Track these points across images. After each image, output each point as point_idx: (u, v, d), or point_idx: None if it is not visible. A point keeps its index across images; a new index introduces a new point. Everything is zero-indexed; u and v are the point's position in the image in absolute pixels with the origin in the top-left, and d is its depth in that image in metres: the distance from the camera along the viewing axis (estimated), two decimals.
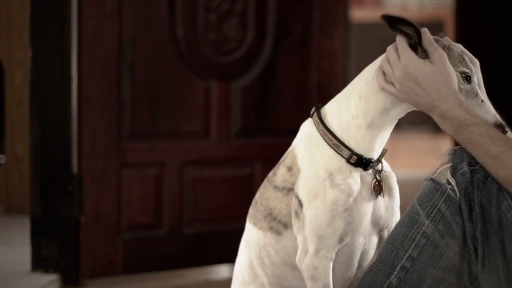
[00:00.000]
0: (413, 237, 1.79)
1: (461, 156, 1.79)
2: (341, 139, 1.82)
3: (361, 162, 1.82)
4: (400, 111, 1.83)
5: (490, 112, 1.79)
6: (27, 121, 3.26)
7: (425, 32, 1.80)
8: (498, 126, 1.77)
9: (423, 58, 1.79)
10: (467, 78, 1.79)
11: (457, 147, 1.82)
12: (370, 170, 1.84)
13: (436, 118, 1.78)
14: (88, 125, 3.19)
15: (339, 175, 1.81)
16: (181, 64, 3.35)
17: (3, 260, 3.45)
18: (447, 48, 1.81)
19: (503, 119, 1.82)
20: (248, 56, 3.46)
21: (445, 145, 6.08)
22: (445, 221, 1.77)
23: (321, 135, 1.84)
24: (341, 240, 1.81)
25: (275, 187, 1.88)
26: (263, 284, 1.93)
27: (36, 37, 3.17)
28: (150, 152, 3.32)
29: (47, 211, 3.19)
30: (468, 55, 1.83)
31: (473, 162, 1.77)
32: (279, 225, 1.87)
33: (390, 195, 1.87)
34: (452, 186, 1.77)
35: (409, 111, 1.84)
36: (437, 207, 1.78)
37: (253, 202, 1.95)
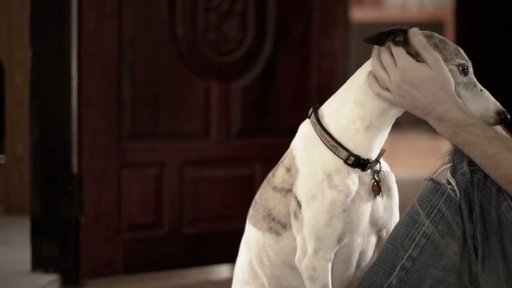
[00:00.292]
0: (413, 237, 1.79)
1: (461, 156, 1.79)
2: (338, 140, 1.82)
3: (359, 163, 1.82)
4: (399, 110, 1.83)
5: (490, 101, 1.78)
6: (27, 121, 3.26)
7: (415, 34, 1.79)
8: (500, 113, 1.76)
9: (416, 57, 1.79)
10: (464, 70, 1.79)
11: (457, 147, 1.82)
12: (369, 171, 1.84)
13: (432, 122, 1.78)
14: (88, 125, 3.19)
15: (337, 176, 1.81)
16: (181, 64, 3.35)
17: (3, 260, 3.45)
18: (442, 42, 1.81)
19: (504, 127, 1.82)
20: (248, 56, 3.46)
21: (445, 145, 6.08)
22: (445, 221, 1.77)
23: (318, 136, 1.84)
24: (339, 240, 1.81)
25: (274, 187, 1.88)
26: (263, 284, 1.93)
27: (36, 37, 3.17)
28: (150, 152, 3.32)
29: (47, 211, 3.19)
30: None
31: (473, 162, 1.77)
32: (278, 225, 1.87)
33: (389, 195, 1.87)
34: (452, 186, 1.77)
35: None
36: (437, 207, 1.78)
37: (253, 203, 1.96)
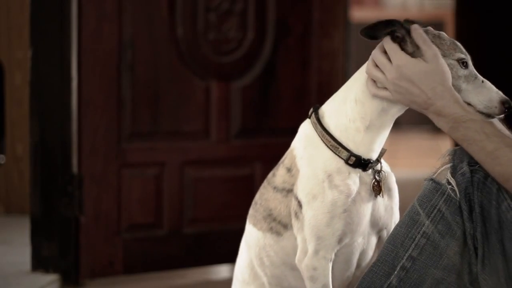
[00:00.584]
0: (413, 237, 1.78)
1: (461, 156, 1.79)
2: (339, 140, 1.82)
3: (360, 163, 1.82)
4: (399, 109, 1.83)
5: (493, 91, 1.78)
6: (27, 121, 3.26)
7: (416, 28, 1.79)
8: (504, 102, 1.76)
9: (412, 53, 1.78)
10: (464, 64, 1.79)
11: (457, 147, 1.82)
12: (370, 171, 1.83)
13: (431, 116, 1.78)
14: (88, 125, 3.19)
15: (337, 176, 1.81)
16: (181, 64, 3.35)
17: (3, 260, 3.45)
18: (437, 37, 1.80)
19: (503, 118, 1.82)
20: (248, 56, 3.46)
21: (445, 145, 6.08)
22: (445, 221, 1.77)
23: (319, 136, 1.84)
24: (340, 240, 1.81)
25: (275, 188, 1.88)
26: (263, 284, 1.93)
27: (36, 37, 3.17)
28: (150, 152, 3.32)
29: (47, 211, 3.19)
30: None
31: (473, 162, 1.77)
32: (279, 226, 1.87)
33: (389, 196, 1.87)
34: (452, 186, 1.77)
35: (407, 108, 1.84)
36: (437, 207, 1.78)
37: (253, 203, 1.95)
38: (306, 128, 1.88)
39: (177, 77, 3.33)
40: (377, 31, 1.78)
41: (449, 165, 1.80)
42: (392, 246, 1.80)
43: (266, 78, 3.49)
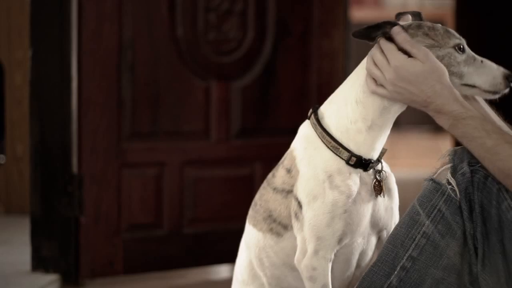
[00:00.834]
0: (413, 237, 1.78)
1: (461, 156, 1.79)
2: (340, 141, 1.82)
3: (361, 163, 1.82)
4: (400, 106, 1.82)
5: (494, 67, 1.79)
6: (27, 121, 3.26)
7: (398, 32, 1.78)
8: (508, 77, 1.77)
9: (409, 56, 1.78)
10: (461, 48, 1.79)
11: (458, 147, 1.82)
12: (370, 171, 1.83)
13: (432, 114, 1.78)
14: (88, 125, 3.19)
15: (338, 177, 1.80)
16: (181, 64, 3.35)
17: (3, 260, 3.45)
18: (431, 29, 1.80)
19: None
20: (248, 56, 3.46)
21: (445, 145, 6.08)
22: (445, 221, 1.77)
23: (319, 137, 1.83)
24: (340, 241, 1.81)
25: (275, 189, 1.88)
26: (262, 285, 1.93)
27: (36, 37, 3.17)
28: (150, 152, 3.32)
29: (47, 211, 3.19)
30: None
31: (473, 162, 1.77)
32: (279, 226, 1.87)
33: (390, 196, 1.87)
34: (452, 186, 1.77)
35: (407, 105, 1.84)
36: (437, 207, 1.78)
37: (252, 204, 1.95)
38: (305, 129, 1.88)
39: (177, 77, 3.33)
40: (368, 34, 1.78)
41: (449, 165, 1.80)
42: (392, 246, 1.80)
43: (266, 78, 3.49)
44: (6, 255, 3.55)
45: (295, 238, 1.85)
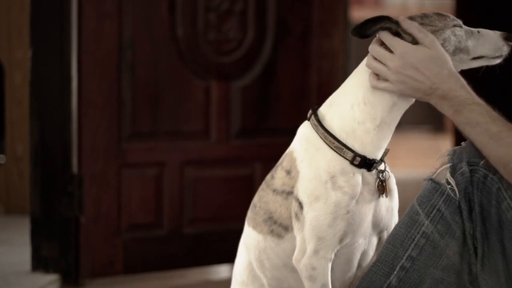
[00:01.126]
0: (413, 237, 1.78)
1: (461, 156, 1.78)
2: (344, 142, 1.81)
3: (365, 163, 1.81)
4: (408, 101, 1.83)
5: (491, 34, 1.82)
6: (27, 121, 3.26)
7: (405, 20, 1.79)
8: (506, 38, 1.80)
9: (410, 42, 1.78)
10: (459, 26, 1.81)
11: (457, 147, 1.82)
12: (373, 171, 1.83)
13: (435, 101, 1.77)
14: (88, 125, 3.19)
15: (341, 177, 1.80)
16: (181, 64, 3.35)
17: (3, 260, 3.45)
18: (425, 17, 1.81)
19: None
20: (248, 56, 3.46)
21: (445, 145, 6.08)
22: (445, 221, 1.77)
23: (321, 138, 1.83)
24: (341, 241, 1.81)
25: (274, 190, 1.87)
26: (262, 286, 1.92)
27: (36, 37, 3.17)
28: (150, 152, 3.32)
29: (47, 211, 3.19)
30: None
31: (472, 162, 1.77)
32: (280, 228, 1.86)
33: (390, 197, 1.87)
34: (452, 186, 1.77)
35: (415, 100, 1.83)
36: (437, 207, 1.78)
37: (251, 205, 1.94)
38: (306, 130, 1.87)
39: (177, 77, 3.33)
40: (367, 29, 1.78)
41: (448, 165, 1.79)
42: (392, 246, 1.80)
43: (266, 78, 3.49)
44: (6, 255, 3.55)
45: (295, 239, 1.84)
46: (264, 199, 1.89)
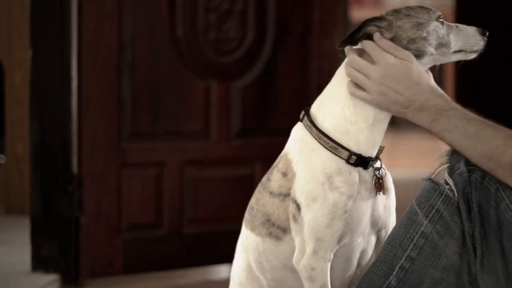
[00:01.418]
0: (412, 237, 1.78)
1: (459, 156, 1.79)
2: (339, 141, 1.81)
3: (361, 161, 1.82)
4: None
5: (468, 28, 1.84)
6: (27, 121, 3.26)
7: (380, 38, 1.80)
8: (482, 33, 1.83)
9: (394, 36, 1.79)
10: (442, 21, 1.83)
11: None
12: (369, 169, 1.83)
13: (412, 114, 1.79)
14: (88, 125, 3.19)
15: (338, 177, 1.80)
16: (181, 64, 3.35)
17: (3, 260, 3.45)
18: (409, 9, 1.82)
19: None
20: (248, 56, 3.46)
21: (445, 145, 6.07)
22: (444, 221, 1.77)
23: (315, 139, 1.83)
24: (339, 241, 1.81)
25: (271, 193, 1.87)
26: (262, 287, 1.92)
27: (36, 37, 3.17)
28: (150, 152, 3.32)
29: (47, 211, 3.19)
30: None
31: (470, 162, 1.77)
32: (278, 230, 1.86)
33: (387, 194, 1.87)
34: (450, 186, 1.77)
35: None
36: (436, 207, 1.78)
37: (248, 208, 1.94)
38: (299, 132, 1.87)
39: (177, 77, 3.33)
40: (352, 38, 1.80)
41: (446, 165, 1.79)
42: (391, 247, 1.80)
43: (266, 78, 3.49)
44: (6, 255, 3.55)
45: (294, 241, 1.84)
46: (261, 201, 1.89)
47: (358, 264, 1.88)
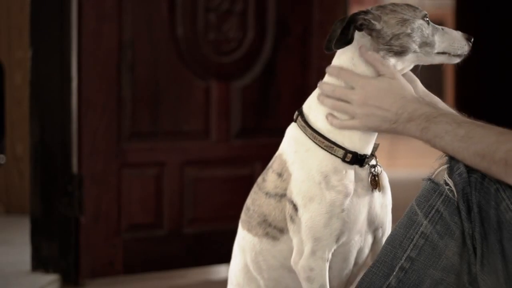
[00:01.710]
0: (412, 237, 1.78)
1: None
2: (333, 140, 1.82)
3: (357, 159, 1.82)
4: None
5: (454, 32, 1.84)
6: (27, 121, 3.26)
7: (366, 51, 1.80)
8: (468, 38, 1.84)
9: (381, 29, 1.79)
10: (427, 20, 1.82)
11: None
12: (365, 166, 1.83)
13: (401, 127, 1.78)
14: (88, 125, 3.19)
15: (334, 176, 1.80)
16: (181, 64, 3.35)
17: (3, 260, 3.45)
18: (395, 5, 1.82)
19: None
20: (248, 56, 3.47)
21: None
22: (444, 222, 1.77)
23: (310, 138, 1.83)
24: (337, 240, 1.81)
25: (267, 193, 1.87)
26: (259, 287, 1.92)
27: (36, 37, 3.17)
28: (150, 152, 3.32)
29: (47, 211, 3.19)
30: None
31: None
32: (275, 230, 1.86)
33: (383, 193, 1.87)
34: (450, 186, 1.77)
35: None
36: (435, 208, 1.78)
37: (244, 208, 1.94)
38: (293, 132, 1.87)
39: (177, 77, 3.33)
40: (346, 36, 1.79)
41: (446, 166, 1.79)
42: (391, 247, 1.80)
43: (266, 78, 3.49)
44: (6, 255, 3.55)
45: (291, 241, 1.84)
46: (257, 202, 1.89)
47: (355, 263, 1.88)
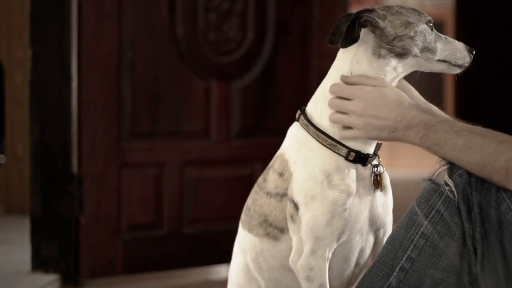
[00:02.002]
0: (412, 237, 1.78)
1: None
2: (336, 138, 1.82)
3: (360, 158, 1.82)
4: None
5: (457, 43, 1.84)
6: (27, 121, 3.26)
7: (348, 77, 1.82)
8: (470, 50, 1.84)
9: (385, 28, 1.79)
10: (431, 26, 1.83)
11: None
12: (368, 165, 1.83)
13: (401, 135, 1.78)
14: (88, 125, 3.19)
15: (336, 175, 1.80)
16: (181, 64, 3.35)
17: (3, 260, 3.45)
18: (401, 7, 1.83)
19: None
20: (248, 56, 3.47)
21: None
22: (444, 222, 1.77)
23: (313, 137, 1.83)
24: (338, 239, 1.81)
25: (268, 193, 1.87)
26: (260, 287, 1.92)
27: (36, 37, 3.17)
28: (150, 152, 3.32)
29: (47, 211, 3.19)
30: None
31: None
32: (275, 230, 1.86)
33: (385, 192, 1.87)
34: (450, 187, 1.77)
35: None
36: (436, 208, 1.78)
37: (245, 208, 1.94)
38: (296, 131, 1.87)
39: (177, 77, 3.33)
40: (352, 34, 1.80)
41: (446, 166, 1.80)
42: (391, 247, 1.80)
43: (266, 78, 3.49)
44: (6, 255, 3.55)
45: (292, 240, 1.84)
46: (258, 202, 1.89)
47: (357, 264, 1.88)
